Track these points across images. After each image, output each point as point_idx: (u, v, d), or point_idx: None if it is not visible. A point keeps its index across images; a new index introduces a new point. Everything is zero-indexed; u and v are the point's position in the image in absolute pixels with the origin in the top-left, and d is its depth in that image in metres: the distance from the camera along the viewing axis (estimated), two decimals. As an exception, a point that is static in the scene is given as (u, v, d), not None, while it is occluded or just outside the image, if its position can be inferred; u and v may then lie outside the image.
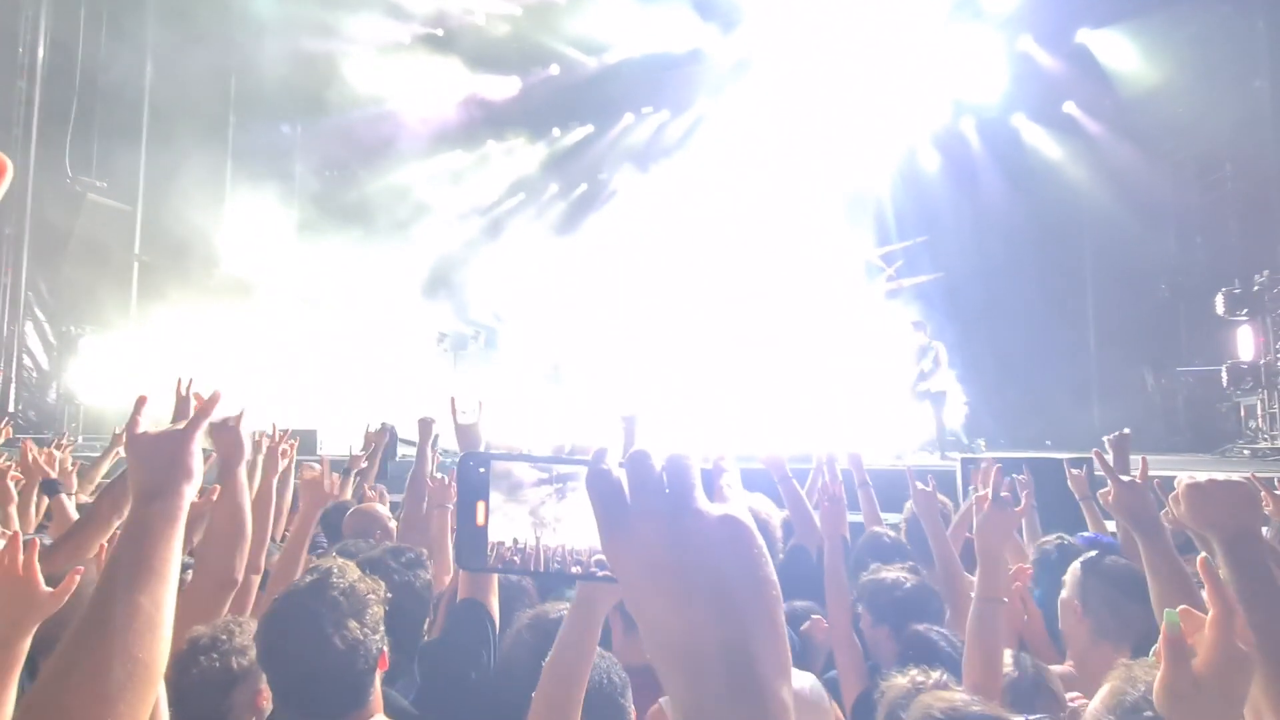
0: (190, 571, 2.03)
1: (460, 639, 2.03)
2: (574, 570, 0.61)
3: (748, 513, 0.51)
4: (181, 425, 1.05)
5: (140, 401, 1.11)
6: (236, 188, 12.84)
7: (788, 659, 0.48)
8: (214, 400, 1.13)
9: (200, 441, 1.04)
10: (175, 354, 10.07)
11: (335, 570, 1.61)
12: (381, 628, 1.59)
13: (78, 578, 1.46)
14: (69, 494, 3.53)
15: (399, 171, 13.53)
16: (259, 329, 11.62)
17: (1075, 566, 2.19)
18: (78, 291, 11.32)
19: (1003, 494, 1.97)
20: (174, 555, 0.95)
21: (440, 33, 13.27)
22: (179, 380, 2.27)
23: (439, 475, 3.15)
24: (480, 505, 0.62)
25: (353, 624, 1.52)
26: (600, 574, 0.60)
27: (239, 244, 12.58)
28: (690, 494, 0.51)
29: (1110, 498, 1.97)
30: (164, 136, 11.59)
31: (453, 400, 2.52)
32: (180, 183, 11.34)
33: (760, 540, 0.50)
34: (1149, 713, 1.21)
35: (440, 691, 1.97)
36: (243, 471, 1.89)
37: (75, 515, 3.02)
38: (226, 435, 1.79)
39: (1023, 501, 2.05)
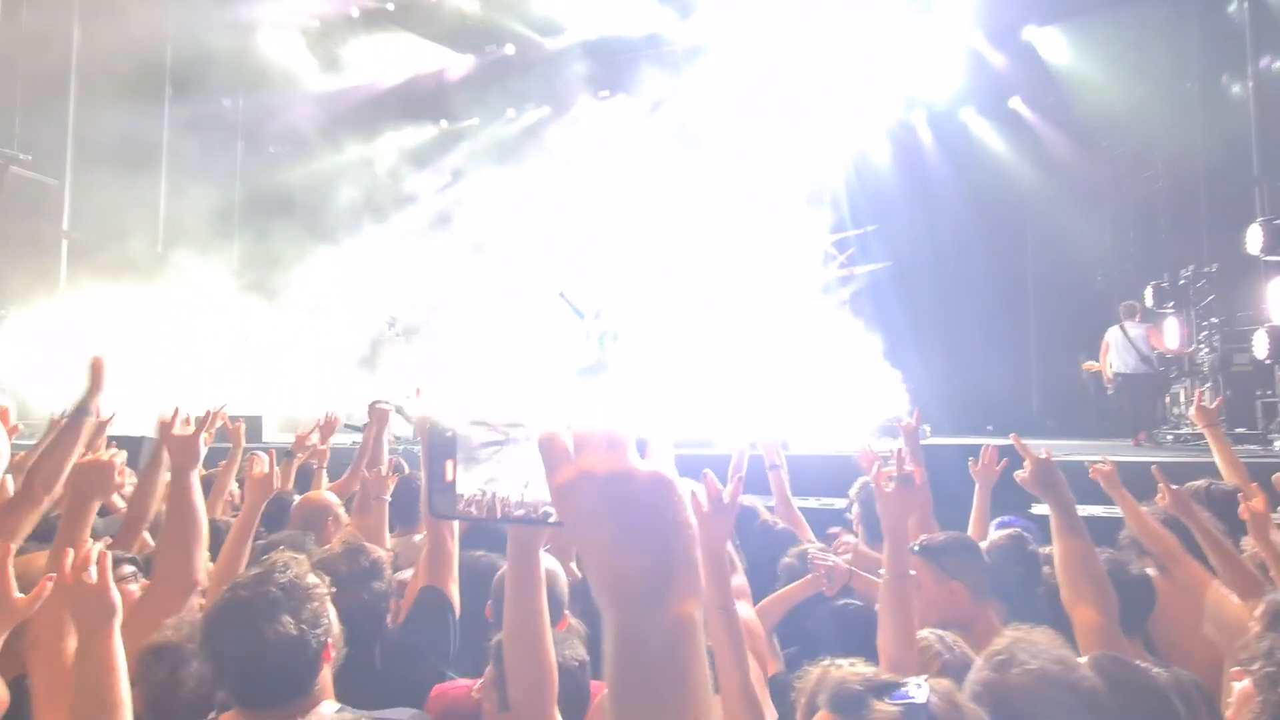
0: (134, 581, 2.00)
1: (421, 623, 2.08)
2: (527, 514, 0.72)
3: (673, 469, 0.62)
4: None
5: None
6: (174, 163, 12.28)
7: (698, 584, 0.60)
8: None
9: None
10: (109, 337, 9.63)
11: (279, 565, 1.62)
12: (325, 621, 1.61)
13: (49, 585, 1.48)
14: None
15: (347, 149, 13.14)
16: (199, 311, 11.19)
17: (916, 559, 2.32)
18: (2, 269, 10.71)
19: (906, 469, 2.06)
20: None
21: (391, 6, 12.90)
22: (94, 360, 2.26)
23: (376, 468, 3.15)
24: (449, 463, 0.73)
25: (287, 620, 1.54)
26: (550, 521, 0.70)
27: (177, 221, 12.06)
28: (625, 455, 0.61)
29: (1026, 475, 2.16)
30: (94, 108, 10.98)
31: (417, 390, 2.53)
32: (112, 157, 10.78)
33: (681, 491, 0.61)
34: (1002, 656, 1.43)
35: (403, 680, 1.97)
36: (195, 476, 1.87)
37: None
38: (179, 441, 1.76)
39: (917, 480, 2.17)
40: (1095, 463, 2.85)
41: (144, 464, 2.80)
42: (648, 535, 0.59)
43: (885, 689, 1.20)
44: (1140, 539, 2.73)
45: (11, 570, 1.42)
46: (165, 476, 2.88)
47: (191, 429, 1.97)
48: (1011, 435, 2.56)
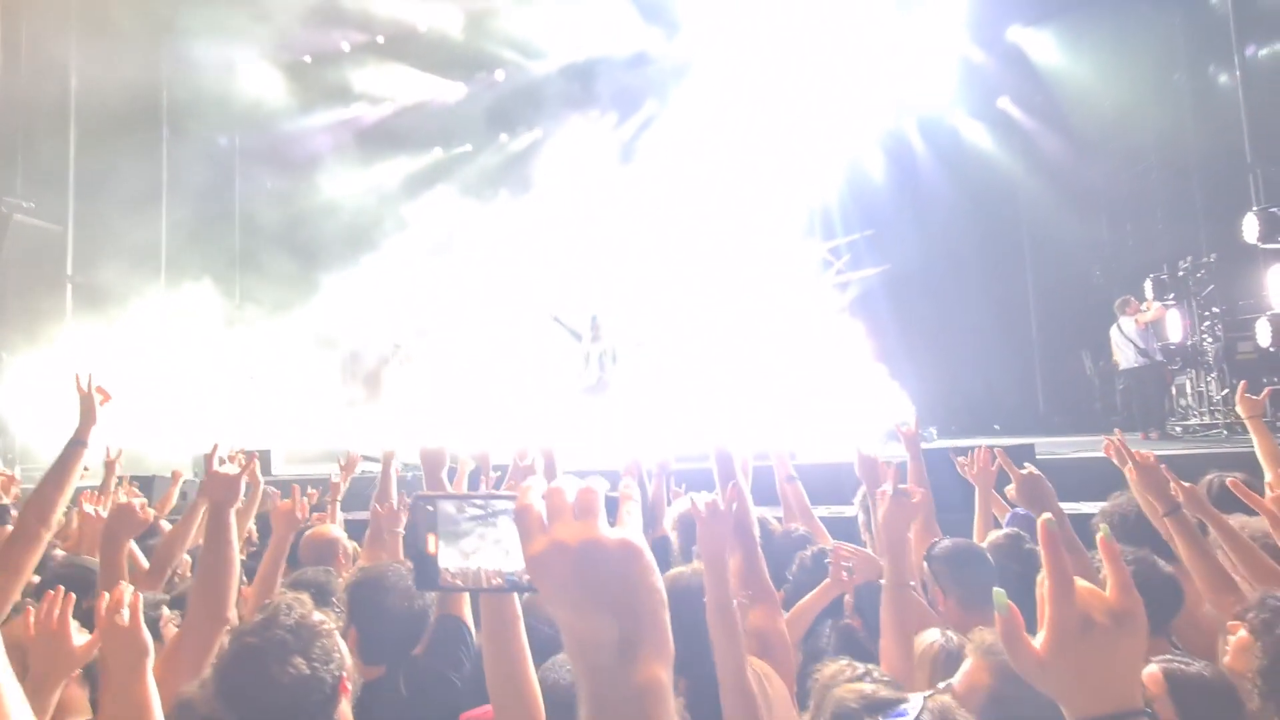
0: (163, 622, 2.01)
1: (441, 650, 2.15)
2: (505, 583, 0.76)
3: (640, 535, 0.67)
4: None
5: None
6: (173, 202, 12.42)
7: (668, 648, 0.63)
8: None
9: None
10: (114, 379, 9.67)
11: (283, 607, 1.63)
12: (337, 656, 1.62)
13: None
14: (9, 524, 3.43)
15: (342, 182, 13.27)
16: (204, 348, 11.26)
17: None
18: (8, 316, 10.82)
19: (901, 487, 2.11)
20: None
21: (380, 39, 13.08)
22: (77, 377, 2.28)
23: (388, 502, 3.18)
24: (431, 537, 0.77)
25: (299, 660, 1.55)
26: (525, 583, 0.73)
27: (178, 260, 12.18)
28: (594, 524, 0.65)
29: (1013, 489, 2.17)
30: (93, 153, 11.15)
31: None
32: (113, 200, 10.91)
33: (649, 557, 0.65)
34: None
35: (426, 699, 2.04)
36: (232, 515, 1.89)
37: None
38: (218, 480, 1.78)
39: (917, 496, 2.21)
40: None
41: (184, 512, 2.82)
42: (615, 602, 0.62)
43: (881, 707, 1.21)
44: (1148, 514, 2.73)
45: (70, 616, 1.47)
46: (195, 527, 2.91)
47: (234, 469, 2.00)
48: (997, 450, 2.58)
